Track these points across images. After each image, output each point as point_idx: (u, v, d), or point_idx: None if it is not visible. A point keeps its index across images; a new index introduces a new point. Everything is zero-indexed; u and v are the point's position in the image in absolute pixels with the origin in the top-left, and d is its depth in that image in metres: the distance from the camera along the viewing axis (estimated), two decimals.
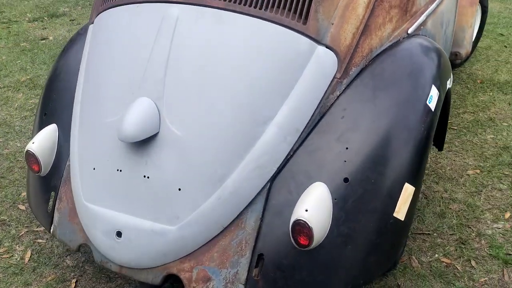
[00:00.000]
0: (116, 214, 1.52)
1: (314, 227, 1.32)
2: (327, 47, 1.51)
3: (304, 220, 1.31)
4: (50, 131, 1.78)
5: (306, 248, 1.35)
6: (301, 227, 1.32)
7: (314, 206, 1.35)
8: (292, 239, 1.36)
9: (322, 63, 1.50)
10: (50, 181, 1.76)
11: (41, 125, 1.81)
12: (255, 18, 1.50)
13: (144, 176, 1.49)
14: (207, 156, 1.45)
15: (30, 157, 1.71)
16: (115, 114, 1.56)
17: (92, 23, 1.84)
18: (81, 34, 1.98)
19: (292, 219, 1.34)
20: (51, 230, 1.72)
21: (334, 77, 1.52)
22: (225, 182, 1.44)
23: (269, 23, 1.49)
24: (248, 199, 1.45)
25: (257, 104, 1.46)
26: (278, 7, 1.51)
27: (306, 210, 1.33)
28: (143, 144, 1.48)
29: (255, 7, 1.51)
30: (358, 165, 1.43)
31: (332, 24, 1.52)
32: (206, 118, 1.46)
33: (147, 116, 1.45)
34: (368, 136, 1.48)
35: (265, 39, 1.49)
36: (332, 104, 1.52)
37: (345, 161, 1.43)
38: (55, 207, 1.72)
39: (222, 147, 1.45)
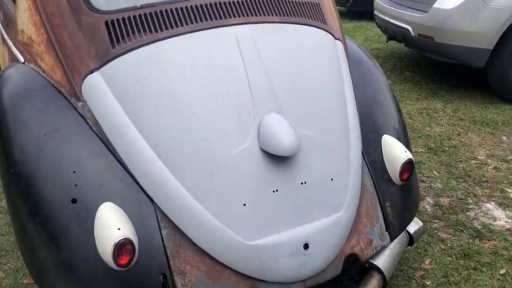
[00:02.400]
0: (292, 231, 1.50)
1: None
2: (339, 40, 1.93)
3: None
4: (115, 209, 1.44)
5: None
6: (409, 165, 1.76)
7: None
8: (398, 175, 1.77)
9: (342, 53, 1.91)
10: (150, 264, 1.44)
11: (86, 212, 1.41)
12: (302, 26, 1.76)
13: (301, 183, 1.54)
14: (337, 143, 1.66)
15: (125, 246, 1.36)
16: (240, 143, 1.50)
17: (96, 70, 1.52)
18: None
19: (404, 158, 1.76)
20: None
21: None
22: (351, 158, 1.70)
23: (313, 27, 1.78)
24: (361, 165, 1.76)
25: (335, 86, 1.75)
26: (307, 16, 1.81)
27: None
28: (284, 156, 1.53)
29: (295, 16, 1.76)
30: None
31: (333, 23, 1.94)
32: (318, 112, 1.65)
33: (289, 127, 1.51)
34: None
35: (316, 39, 1.77)
36: None
37: None
38: (176, 287, 1.44)
39: (339, 131, 1.69)
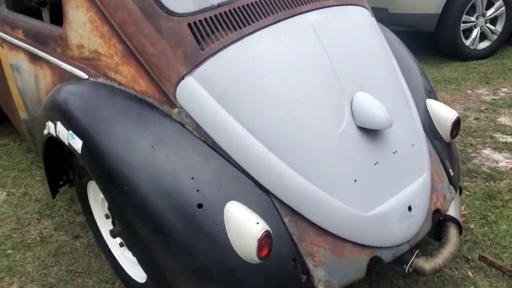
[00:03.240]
0: (396, 197, 1.63)
1: None
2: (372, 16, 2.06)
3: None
4: (241, 206, 1.47)
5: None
6: (458, 122, 1.96)
7: None
8: (449, 133, 1.96)
9: (378, 28, 2.04)
10: (281, 252, 1.50)
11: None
12: (352, 6, 1.86)
13: (393, 153, 1.67)
14: (406, 112, 1.80)
15: (267, 239, 1.41)
16: (339, 124, 1.59)
17: (188, 74, 1.52)
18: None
19: (453, 117, 1.95)
20: None
21: None
22: (417, 124, 1.85)
23: (359, 6, 1.89)
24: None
25: (388, 60, 1.89)
26: None
27: None
28: (376, 130, 1.65)
29: None
30: None
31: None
32: (386, 86, 1.78)
33: (378, 102, 1.63)
34: None
35: (364, 17, 1.89)
36: None
37: None
38: (309, 269, 1.51)
39: (404, 101, 1.83)
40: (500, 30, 4.41)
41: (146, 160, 1.46)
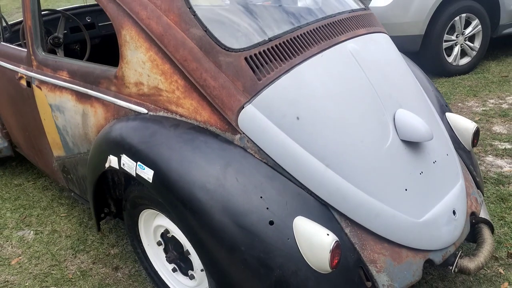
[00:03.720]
0: (442, 202, 1.78)
1: None
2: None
3: None
4: (307, 220, 1.59)
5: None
6: (477, 132, 2.15)
7: None
8: (471, 142, 2.15)
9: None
10: (348, 261, 1.62)
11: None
12: (377, 33, 2.05)
13: (433, 162, 1.83)
14: (436, 124, 1.97)
15: (338, 249, 1.53)
16: (386, 139, 1.74)
17: (248, 103, 1.65)
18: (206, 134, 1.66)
19: (473, 127, 2.14)
20: None
21: None
22: (445, 135, 2.03)
23: (381, 33, 2.08)
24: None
25: (412, 78, 2.07)
26: (374, 24, 2.10)
27: None
28: (417, 143, 1.81)
29: (370, 26, 2.04)
30: None
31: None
32: (416, 101, 1.95)
33: (418, 117, 1.79)
34: None
35: (387, 41, 2.07)
36: None
37: None
38: (372, 275, 1.64)
39: (433, 114, 2.01)
40: (478, 46, 4.73)
41: (218, 183, 1.56)
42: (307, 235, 1.53)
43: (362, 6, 2.14)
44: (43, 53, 2.24)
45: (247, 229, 1.54)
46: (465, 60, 4.75)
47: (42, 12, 3.19)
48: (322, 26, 1.85)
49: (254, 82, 1.65)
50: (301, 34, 1.78)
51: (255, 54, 1.68)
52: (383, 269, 1.64)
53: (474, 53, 4.73)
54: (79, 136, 2.13)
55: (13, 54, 2.51)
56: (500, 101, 4.00)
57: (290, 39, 1.76)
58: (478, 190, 2.09)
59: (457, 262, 1.82)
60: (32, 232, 2.80)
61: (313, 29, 1.82)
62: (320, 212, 1.63)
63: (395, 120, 1.78)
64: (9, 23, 3.06)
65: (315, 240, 1.51)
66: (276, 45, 1.72)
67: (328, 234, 1.50)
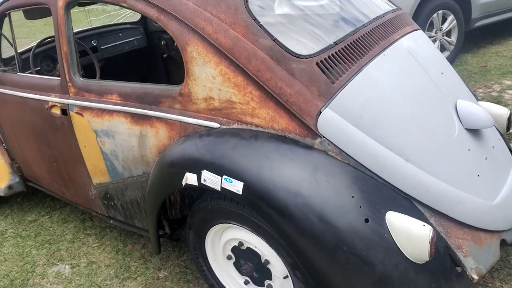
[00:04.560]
0: (507, 183, 1.88)
1: None
2: None
3: None
4: (397, 214, 1.65)
5: None
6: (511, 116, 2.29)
7: None
8: (506, 127, 2.28)
9: None
10: (439, 249, 1.69)
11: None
12: (417, 30, 2.14)
13: (493, 147, 1.94)
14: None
15: (434, 239, 1.59)
16: (453, 129, 1.83)
17: (325, 107, 1.69)
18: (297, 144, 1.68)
19: (507, 113, 2.27)
20: (476, 277, 1.70)
21: None
22: None
23: (419, 30, 2.18)
24: None
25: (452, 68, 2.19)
26: (412, 22, 2.20)
27: None
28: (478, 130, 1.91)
29: (411, 24, 2.14)
30: None
31: None
32: (464, 92, 2.06)
33: (478, 106, 1.90)
34: None
35: (426, 37, 2.18)
36: None
37: None
38: (460, 260, 1.70)
39: (476, 102, 2.12)
40: (455, 41, 4.98)
41: (311, 187, 1.59)
42: (403, 228, 1.57)
43: (397, 6, 2.24)
44: (81, 79, 2.19)
45: (346, 229, 1.57)
46: (445, 54, 4.99)
47: (48, 40, 3.11)
48: (376, 27, 1.92)
49: (328, 86, 1.69)
50: (361, 36, 1.85)
51: (325, 59, 1.73)
52: (469, 253, 1.71)
53: (452, 47, 4.98)
54: (132, 159, 2.09)
55: (39, 83, 2.43)
56: (488, 89, 4.23)
57: (353, 41, 1.82)
58: None
59: None
60: (67, 266, 2.70)
61: (370, 30, 1.89)
62: (405, 205, 1.68)
63: (457, 111, 1.87)
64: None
65: (413, 232, 1.55)
66: (342, 48, 1.78)
67: (424, 225, 1.56)
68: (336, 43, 1.79)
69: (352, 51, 1.79)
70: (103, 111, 2.10)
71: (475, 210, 1.76)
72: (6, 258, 2.85)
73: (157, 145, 1.96)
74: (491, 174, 1.85)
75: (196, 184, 1.75)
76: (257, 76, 1.69)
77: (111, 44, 3.49)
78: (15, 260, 2.82)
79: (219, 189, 1.69)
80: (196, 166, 1.74)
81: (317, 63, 1.71)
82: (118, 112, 2.04)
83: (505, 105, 3.84)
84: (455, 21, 4.90)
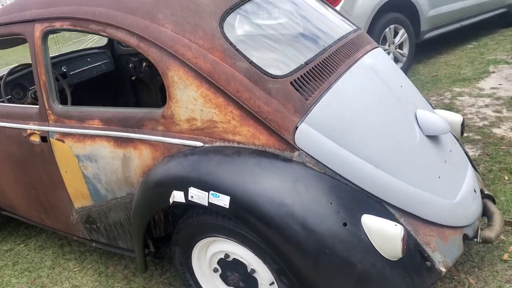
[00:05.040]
0: (465, 183, 2.08)
1: None
2: None
3: None
4: (370, 216, 1.80)
5: None
6: (464, 122, 2.51)
7: None
8: (460, 132, 2.51)
9: None
10: (409, 246, 1.85)
11: None
12: (377, 48, 2.34)
13: (450, 151, 2.14)
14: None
15: (405, 237, 1.76)
16: (415, 136, 2.02)
17: (300, 122, 1.83)
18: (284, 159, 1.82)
19: (460, 119, 2.50)
20: (444, 269, 1.88)
21: None
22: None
23: (379, 47, 2.38)
24: None
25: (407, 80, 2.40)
26: (371, 40, 2.40)
27: None
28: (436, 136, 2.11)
29: (370, 43, 2.33)
30: None
31: None
32: (422, 102, 2.26)
33: (435, 115, 2.09)
34: None
35: (384, 53, 2.38)
36: None
37: None
38: (429, 255, 1.87)
39: (432, 111, 2.33)
40: (407, 53, 5.29)
41: (294, 197, 1.72)
42: (377, 229, 1.73)
43: (357, 27, 2.43)
44: (60, 106, 2.25)
45: (327, 234, 1.70)
46: (399, 66, 5.29)
47: (18, 68, 3.14)
48: (341, 46, 2.10)
49: (302, 103, 1.84)
50: (328, 56, 2.01)
51: (298, 78, 1.88)
52: (436, 248, 1.88)
53: (405, 59, 5.29)
54: (116, 181, 2.16)
55: (15, 112, 2.47)
56: (440, 97, 4.53)
57: (322, 60, 1.98)
58: (476, 172, 2.43)
59: (479, 234, 2.11)
60: None
61: (336, 50, 2.06)
62: (378, 208, 1.84)
63: (417, 120, 2.05)
64: None
65: (386, 232, 1.71)
66: (312, 68, 1.93)
67: (396, 225, 1.72)
68: (307, 63, 1.94)
69: (321, 70, 1.95)
70: (84, 136, 2.16)
71: (439, 209, 1.94)
72: None
73: (141, 166, 2.05)
74: (450, 175, 2.04)
75: (184, 201, 1.85)
76: (236, 97, 1.82)
77: (80, 69, 3.54)
78: None
79: (207, 204, 1.79)
80: (183, 184, 1.84)
81: (291, 82, 1.85)
82: (101, 136, 2.11)
83: (457, 110, 4.12)
84: (406, 35, 5.21)
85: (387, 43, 5.11)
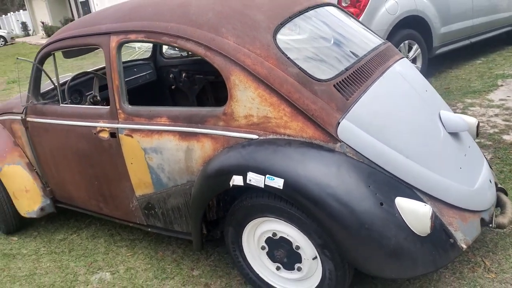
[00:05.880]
0: (482, 174, 2.41)
1: None
2: None
3: None
4: (403, 198, 2.13)
5: None
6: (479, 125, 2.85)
7: None
8: (475, 134, 2.85)
9: None
10: (436, 225, 2.17)
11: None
12: (404, 59, 2.70)
13: (469, 147, 2.47)
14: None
15: (434, 214, 2.08)
16: (439, 132, 2.36)
17: (342, 118, 2.17)
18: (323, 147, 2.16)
19: (475, 122, 2.84)
20: (465, 246, 2.19)
21: None
22: None
23: (404, 58, 2.74)
24: None
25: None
26: (398, 52, 2.76)
27: None
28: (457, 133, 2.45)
29: (398, 54, 2.69)
30: None
31: None
32: (446, 106, 2.61)
33: (456, 114, 2.44)
34: None
35: (411, 64, 2.73)
36: None
37: None
38: (452, 233, 2.19)
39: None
40: (421, 66, 5.65)
41: (338, 181, 2.06)
42: (409, 208, 2.05)
43: (386, 40, 2.79)
44: (129, 106, 2.61)
45: (366, 212, 2.03)
46: None
47: (76, 75, 3.52)
48: (374, 56, 2.46)
49: (344, 102, 2.19)
50: (364, 64, 2.37)
51: (340, 82, 2.23)
52: (458, 228, 2.20)
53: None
54: (178, 171, 2.51)
55: (86, 112, 2.84)
56: (453, 108, 4.86)
57: (359, 67, 2.34)
58: (490, 168, 2.76)
59: (494, 220, 2.43)
60: (107, 273, 3.04)
61: (370, 59, 2.42)
62: (408, 192, 2.17)
63: (441, 119, 2.40)
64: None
65: (417, 211, 2.04)
66: (352, 73, 2.29)
67: (425, 205, 2.05)
68: (346, 69, 2.30)
69: (359, 75, 2.30)
70: (152, 131, 2.52)
71: (460, 195, 2.26)
72: (47, 272, 3.16)
73: (203, 157, 2.40)
74: (469, 166, 2.37)
75: (242, 184, 2.19)
76: (288, 97, 2.17)
77: (128, 78, 3.91)
78: (55, 272, 3.14)
79: (263, 186, 2.13)
80: (242, 169, 2.18)
81: (334, 85, 2.21)
82: (168, 131, 2.47)
83: None
84: (419, 50, 5.57)
85: None
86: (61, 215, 3.89)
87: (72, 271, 3.11)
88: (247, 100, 2.24)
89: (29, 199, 3.46)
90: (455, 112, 4.64)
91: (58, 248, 3.44)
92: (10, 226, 3.71)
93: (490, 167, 2.79)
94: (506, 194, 2.65)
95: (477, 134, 2.84)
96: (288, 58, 2.23)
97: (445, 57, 6.64)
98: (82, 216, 3.85)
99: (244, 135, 2.27)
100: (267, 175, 2.12)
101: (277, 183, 2.10)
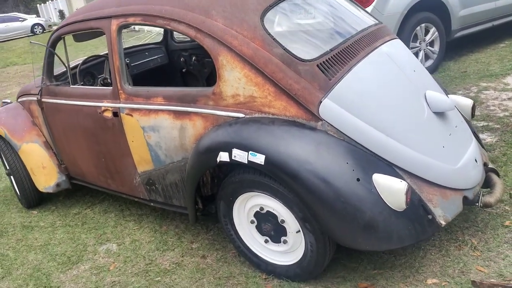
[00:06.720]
0: (467, 153, 2.44)
1: None
2: None
3: None
4: (381, 175, 2.20)
5: None
6: (474, 105, 2.86)
7: None
8: (471, 114, 2.86)
9: None
10: (413, 201, 2.23)
11: None
12: (396, 39, 2.73)
13: (455, 126, 2.51)
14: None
15: (409, 190, 2.14)
16: (423, 111, 2.40)
17: (324, 98, 2.25)
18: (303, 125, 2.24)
19: (471, 103, 2.85)
20: (443, 222, 2.24)
21: None
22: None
23: (397, 38, 2.77)
24: None
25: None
26: (391, 32, 2.79)
27: None
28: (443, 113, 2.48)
29: (390, 34, 2.73)
30: None
31: None
32: (435, 85, 2.64)
33: (442, 94, 2.47)
34: None
35: (402, 43, 2.77)
36: None
37: None
38: (431, 209, 2.24)
39: (442, 92, 2.70)
40: (438, 50, 5.59)
41: (317, 157, 2.14)
42: (385, 184, 2.13)
43: (379, 21, 2.83)
44: (130, 87, 2.76)
45: (343, 186, 2.12)
46: (429, 63, 5.59)
47: (87, 58, 3.71)
48: (361, 37, 2.51)
49: (326, 82, 2.27)
50: (350, 44, 2.43)
51: (323, 62, 2.30)
52: (438, 205, 2.26)
53: (435, 55, 5.59)
54: (174, 148, 2.65)
55: (92, 93, 3.01)
56: (466, 91, 4.82)
57: (344, 48, 2.40)
58: (482, 148, 2.78)
59: (480, 199, 2.46)
60: (114, 244, 3.24)
61: (356, 40, 2.48)
62: (387, 170, 2.23)
63: (426, 99, 2.44)
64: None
65: (393, 187, 2.10)
66: (336, 54, 2.36)
67: (401, 181, 2.11)
68: (331, 50, 2.37)
69: (343, 56, 2.37)
70: (149, 111, 2.67)
71: (441, 173, 2.31)
72: (60, 242, 3.39)
73: (195, 134, 2.53)
74: (453, 145, 2.41)
75: (228, 160, 2.31)
76: (272, 77, 2.26)
77: (140, 62, 4.08)
78: (68, 243, 3.36)
79: (246, 162, 2.25)
80: (228, 146, 2.30)
81: (317, 65, 2.28)
82: (163, 110, 2.61)
83: (481, 103, 4.42)
84: (436, 33, 5.51)
85: (418, 41, 5.42)
86: (78, 192, 4.13)
87: (83, 242, 3.33)
88: (234, 80, 2.34)
89: (46, 175, 3.69)
90: (467, 96, 4.62)
91: (72, 221, 3.67)
92: (31, 201, 3.96)
93: (483, 147, 2.81)
94: (498, 175, 2.67)
95: (473, 115, 2.86)
96: (274, 39, 2.31)
97: (467, 40, 6.52)
98: (96, 193, 4.07)
99: (232, 114, 2.39)
100: (250, 152, 2.23)
101: (259, 159, 2.20)
